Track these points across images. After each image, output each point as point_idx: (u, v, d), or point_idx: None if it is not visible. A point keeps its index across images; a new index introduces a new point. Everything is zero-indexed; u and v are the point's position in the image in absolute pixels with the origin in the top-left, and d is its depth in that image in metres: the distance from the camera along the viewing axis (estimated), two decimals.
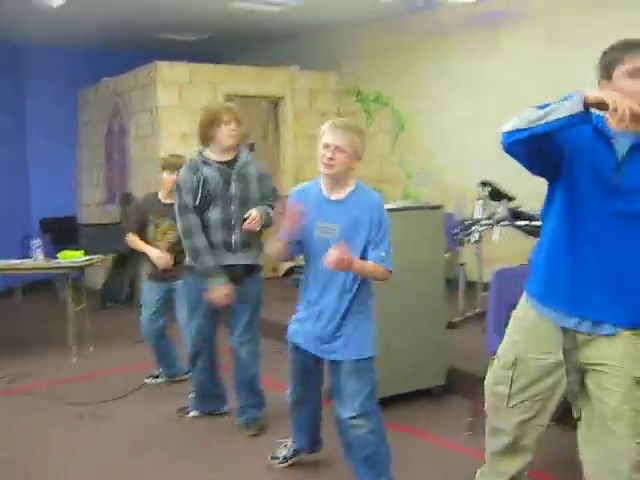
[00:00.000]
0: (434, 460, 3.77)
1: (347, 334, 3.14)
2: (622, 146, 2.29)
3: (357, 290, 3.13)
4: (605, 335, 2.33)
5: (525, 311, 2.52)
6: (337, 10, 8.15)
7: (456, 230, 6.05)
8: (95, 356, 5.98)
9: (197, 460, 3.84)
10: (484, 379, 2.68)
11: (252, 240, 4.02)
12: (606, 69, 2.30)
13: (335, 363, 3.19)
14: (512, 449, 2.58)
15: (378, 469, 3.24)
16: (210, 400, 4.45)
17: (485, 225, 5.82)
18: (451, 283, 6.06)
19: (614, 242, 2.30)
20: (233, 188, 3.94)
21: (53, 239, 8.91)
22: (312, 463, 3.70)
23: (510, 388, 2.50)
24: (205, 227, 3.92)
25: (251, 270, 4.06)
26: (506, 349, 2.55)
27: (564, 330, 2.38)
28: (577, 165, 2.30)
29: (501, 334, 2.67)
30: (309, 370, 3.35)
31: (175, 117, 7.96)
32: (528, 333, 2.49)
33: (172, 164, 4.76)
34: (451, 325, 5.55)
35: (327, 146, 3.05)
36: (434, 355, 4.65)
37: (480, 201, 5.99)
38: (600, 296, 2.31)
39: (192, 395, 4.49)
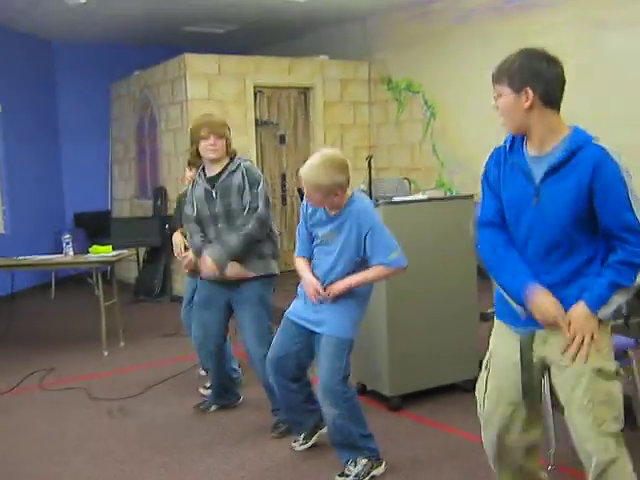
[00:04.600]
0: (461, 455, 3.68)
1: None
2: (538, 171, 2.40)
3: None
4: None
5: None
6: None
7: None
8: (125, 351, 5.99)
9: (225, 453, 3.81)
10: None
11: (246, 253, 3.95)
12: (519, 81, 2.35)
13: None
14: None
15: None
16: (225, 394, 4.46)
17: None
18: (486, 274, 5.94)
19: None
20: (217, 205, 3.97)
21: (88, 234, 9.01)
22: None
23: None
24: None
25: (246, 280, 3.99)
26: None
27: None
28: (504, 200, 2.51)
29: None
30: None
31: (205, 109, 7.88)
32: None
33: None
34: (484, 317, 5.42)
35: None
36: (465, 348, 4.54)
37: None
38: None
39: (209, 390, 4.55)
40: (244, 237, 3.88)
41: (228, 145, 4.00)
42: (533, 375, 2.51)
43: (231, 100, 8.03)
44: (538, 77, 2.32)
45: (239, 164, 3.98)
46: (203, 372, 4.93)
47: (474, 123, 7.67)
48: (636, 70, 6.21)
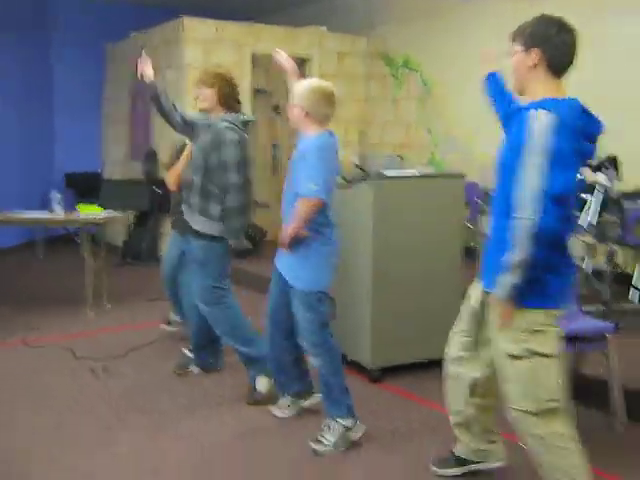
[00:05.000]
0: (441, 430, 3.69)
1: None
2: None
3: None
4: None
5: None
6: None
7: (479, 199, 5.94)
8: (111, 312, 6.01)
9: (206, 416, 3.85)
10: None
11: (200, 205, 3.93)
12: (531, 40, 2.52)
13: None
14: None
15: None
16: (205, 354, 4.50)
17: None
18: (472, 252, 5.98)
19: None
20: (193, 152, 4.04)
21: (77, 194, 8.95)
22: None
23: None
24: None
25: (197, 233, 3.98)
26: None
27: None
28: None
29: None
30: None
31: None
32: None
33: None
34: None
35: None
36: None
37: None
38: None
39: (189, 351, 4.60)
40: (237, 217, 3.88)
41: (221, 96, 3.97)
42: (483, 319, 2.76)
43: (228, 67, 7.95)
44: (547, 41, 2.48)
45: (217, 124, 3.90)
46: (170, 327, 5.17)
47: (472, 105, 7.62)
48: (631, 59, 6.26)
